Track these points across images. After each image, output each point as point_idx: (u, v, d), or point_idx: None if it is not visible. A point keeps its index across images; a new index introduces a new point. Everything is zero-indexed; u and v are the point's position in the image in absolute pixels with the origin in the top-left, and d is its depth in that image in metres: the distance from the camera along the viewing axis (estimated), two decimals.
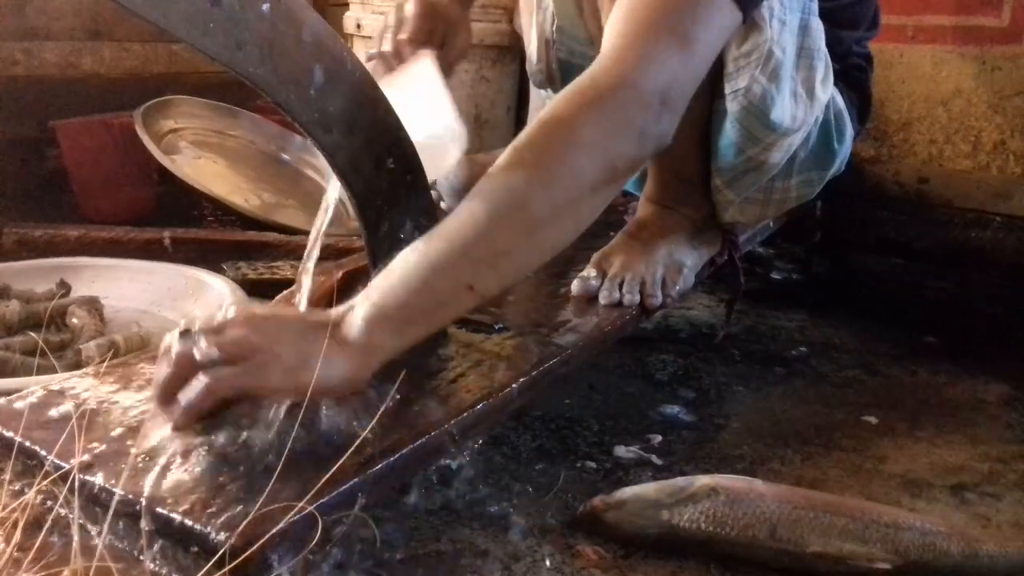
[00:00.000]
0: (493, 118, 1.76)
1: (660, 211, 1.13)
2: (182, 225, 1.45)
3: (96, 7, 1.99)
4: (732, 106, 1.02)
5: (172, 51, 2.07)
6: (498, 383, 0.80)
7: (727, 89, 1.02)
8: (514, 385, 0.81)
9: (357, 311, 0.71)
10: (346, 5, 1.86)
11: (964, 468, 1.01)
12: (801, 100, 1.05)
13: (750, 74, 0.99)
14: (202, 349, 0.67)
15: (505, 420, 1.01)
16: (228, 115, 1.92)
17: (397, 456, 0.68)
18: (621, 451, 1.00)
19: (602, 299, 1.02)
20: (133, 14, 0.60)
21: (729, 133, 1.05)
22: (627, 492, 0.83)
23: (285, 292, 0.92)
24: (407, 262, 0.73)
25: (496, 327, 0.92)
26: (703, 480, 0.82)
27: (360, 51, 1.74)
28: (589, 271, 1.06)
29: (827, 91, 1.10)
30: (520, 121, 1.81)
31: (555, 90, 1.15)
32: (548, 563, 0.79)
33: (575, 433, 1.04)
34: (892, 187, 1.62)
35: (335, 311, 0.72)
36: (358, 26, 1.77)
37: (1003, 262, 1.49)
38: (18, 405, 0.73)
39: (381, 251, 0.83)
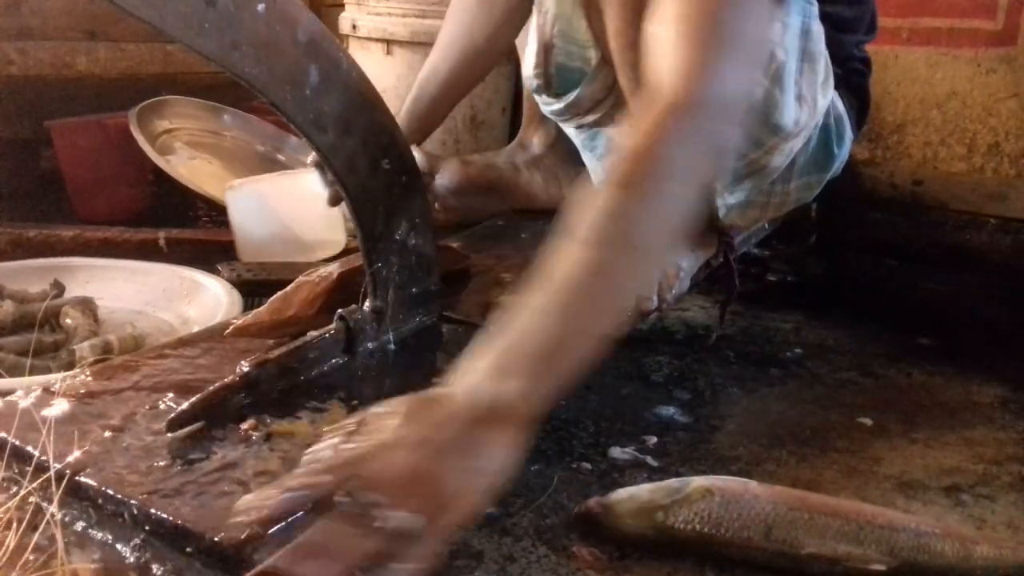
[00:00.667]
0: (489, 119, 1.76)
1: None
2: (177, 226, 1.45)
3: (91, 7, 1.99)
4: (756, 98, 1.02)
5: (167, 51, 2.07)
6: None
7: None
8: None
9: (503, 389, 0.65)
10: (341, 6, 1.86)
11: (959, 470, 1.01)
12: (805, 104, 1.06)
13: (783, 69, 1.00)
14: (384, 516, 0.57)
15: None
16: (223, 115, 1.91)
17: None
18: (616, 452, 1.00)
19: None
20: (129, 14, 0.60)
21: (748, 126, 1.05)
22: (622, 493, 0.83)
23: (280, 293, 0.92)
24: (532, 323, 0.68)
25: (492, 327, 0.92)
26: (698, 481, 0.82)
27: (356, 52, 1.74)
28: None
29: (828, 95, 1.10)
30: (515, 122, 1.81)
31: (550, 95, 1.14)
32: (543, 564, 0.79)
33: (570, 434, 1.04)
34: (887, 189, 1.62)
35: (466, 395, 0.65)
36: (353, 27, 1.77)
37: (998, 264, 1.50)
38: (11, 406, 0.72)
39: (376, 251, 0.83)
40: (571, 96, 1.11)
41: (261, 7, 0.67)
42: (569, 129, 1.22)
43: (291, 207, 1.35)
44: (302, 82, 0.72)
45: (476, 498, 0.63)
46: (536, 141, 1.41)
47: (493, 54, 1.27)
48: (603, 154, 1.20)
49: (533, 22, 1.13)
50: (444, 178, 1.36)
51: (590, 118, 1.14)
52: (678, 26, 0.80)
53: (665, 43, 0.81)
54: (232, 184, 1.38)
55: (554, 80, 1.13)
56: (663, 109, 0.76)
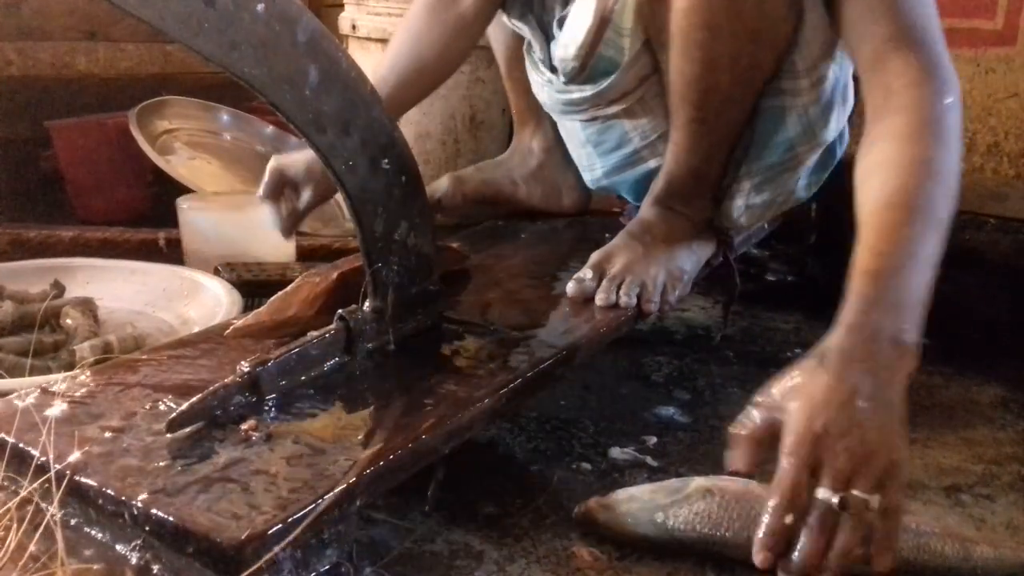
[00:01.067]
0: (488, 119, 1.76)
1: (664, 213, 1.12)
2: (177, 226, 1.45)
3: (91, 7, 1.99)
4: (803, 99, 1.05)
5: (167, 52, 2.07)
6: (492, 385, 0.80)
7: (804, 84, 1.04)
8: (509, 387, 0.81)
9: (885, 332, 0.73)
10: (341, 6, 1.86)
11: (958, 470, 1.01)
12: (847, 102, 1.11)
13: (831, 68, 1.04)
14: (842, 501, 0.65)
15: (500, 421, 1.02)
16: (223, 116, 1.91)
17: (391, 458, 0.68)
18: (616, 452, 1.00)
19: (599, 300, 1.02)
20: (128, 14, 0.60)
21: (789, 128, 1.07)
22: (622, 494, 0.83)
23: (279, 293, 0.92)
24: (884, 267, 0.78)
25: (490, 327, 0.92)
26: (698, 481, 0.82)
27: (355, 52, 1.74)
28: (586, 272, 1.05)
29: (850, 100, 1.14)
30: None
31: (579, 81, 1.12)
32: (543, 565, 0.79)
33: (570, 434, 1.04)
34: None
35: (855, 344, 0.73)
36: (353, 27, 1.77)
37: (997, 264, 1.50)
38: (11, 406, 0.72)
39: (376, 252, 0.83)
40: (604, 83, 1.10)
41: (260, 7, 0.67)
42: (575, 123, 1.21)
43: (243, 234, 1.34)
44: (301, 82, 0.72)
45: (905, 449, 0.68)
46: (535, 146, 1.38)
47: (441, 72, 1.26)
48: (613, 148, 1.19)
49: (582, 4, 1.10)
50: (438, 198, 1.34)
51: (611, 109, 1.13)
52: (884, 27, 0.88)
53: (869, 41, 0.89)
54: (182, 202, 1.38)
55: (593, 65, 1.11)
56: (914, 115, 0.84)
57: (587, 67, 1.11)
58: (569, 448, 1.01)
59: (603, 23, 1.07)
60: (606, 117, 1.15)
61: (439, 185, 1.36)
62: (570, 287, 1.04)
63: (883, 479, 0.67)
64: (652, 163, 1.17)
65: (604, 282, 1.03)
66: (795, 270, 1.67)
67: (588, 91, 1.12)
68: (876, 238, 0.81)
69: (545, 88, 1.20)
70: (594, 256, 1.07)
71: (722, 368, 1.27)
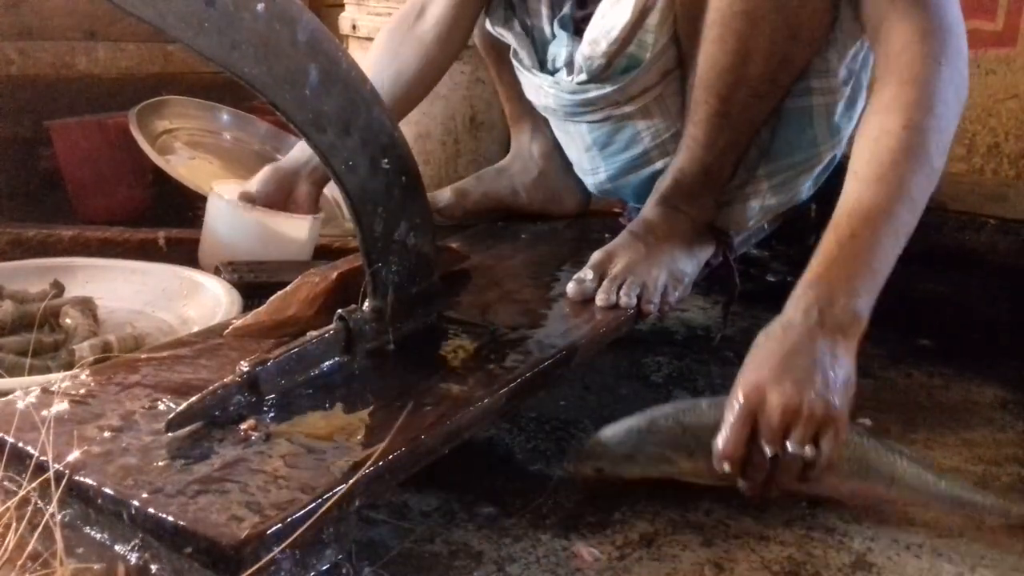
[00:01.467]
0: (488, 120, 1.76)
1: (668, 213, 1.11)
2: (177, 226, 1.44)
3: (91, 7, 1.99)
4: (832, 98, 1.07)
5: (167, 51, 2.07)
6: (492, 385, 0.80)
7: (835, 82, 1.05)
8: (508, 387, 0.81)
9: (839, 303, 0.81)
10: (341, 6, 1.86)
11: (958, 470, 1.01)
12: (864, 95, 1.12)
13: (858, 62, 1.06)
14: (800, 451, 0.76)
15: (499, 421, 1.01)
16: (223, 115, 1.91)
17: (391, 458, 0.67)
18: None
19: (599, 301, 1.01)
20: (129, 14, 0.60)
21: (815, 128, 1.08)
22: (600, 437, 0.88)
23: (279, 293, 0.92)
24: (847, 247, 0.83)
25: (490, 327, 0.92)
26: (665, 409, 0.88)
27: (356, 52, 1.73)
28: (586, 272, 1.04)
29: (861, 100, 1.14)
30: None
31: (601, 79, 1.11)
32: (543, 565, 0.79)
33: (570, 435, 1.04)
34: None
35: (809, 306, 0.82)
36: (353, 27, 1.77)
37: (998, 265, 1.49)
38: (11, 406, 0.72)
39: (376, 252, 0.83)
40: (626, 78, 1.09)
41: (261, 7, 0.67)
42: (581, 126, 1.20)
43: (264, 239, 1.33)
44: (301, 82, 0.72)
45: (846, 411, 0.78)
46: (535, 151, 1.36)
47: (413, 97, 1.29)
48: (621, 150, 1.18)
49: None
50: (440, 213, 1.33)
51: (627, 108, 1.12)
52: None
53: None
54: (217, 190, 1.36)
55: (620, 61, 1.10)
56: (923, 36, 0.86)
57: (613, 64, 1.10)
58: (569, 448, 1.01)
59: (643, 16, 1.06)
60: (619, 117, 1.14)
61: (441, 197, 1.34)
62: (570, 287, 1.03)
63: (819, 434, 0.76)
64: (659, 164, 1.16)
65: (605, 282, 1.02)
66: (795, 271, 1.67)
67: (608, 88, 1.11)
68: (848, 210, 0.85)
69: (551, 91, 1.19)
70: (595, 256, 1.06)
71: (722, 369, 1.27)
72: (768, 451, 0.76)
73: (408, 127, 1.67)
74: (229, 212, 1.31)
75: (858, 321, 0.81)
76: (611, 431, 0.88)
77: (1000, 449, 1.07)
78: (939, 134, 0.86)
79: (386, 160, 0.81)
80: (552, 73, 1.20)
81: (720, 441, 0.78)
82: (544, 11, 1.20)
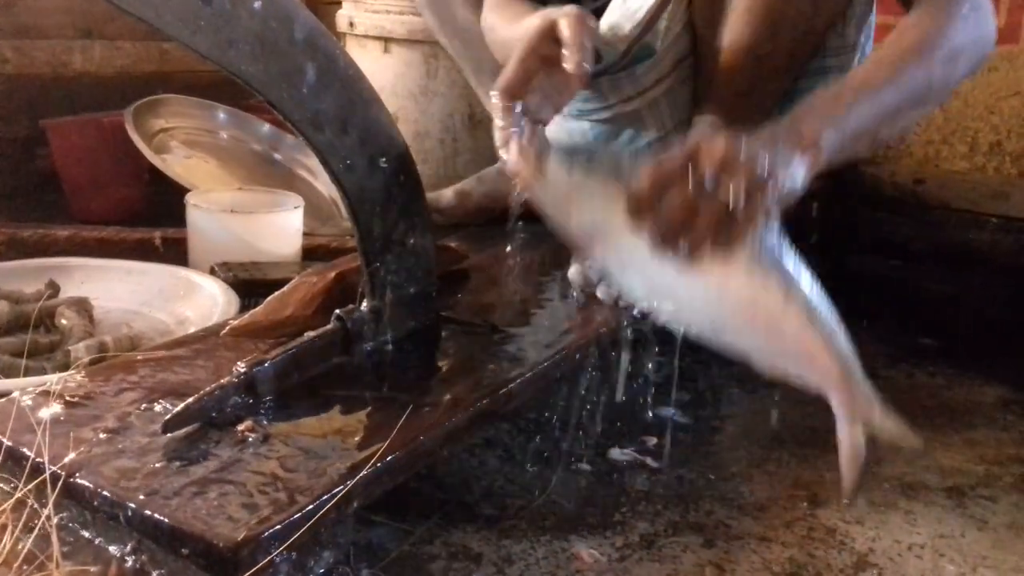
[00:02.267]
0: (487, 118, 1.74)
1: None
2: (173, 225, 1.43)
3: (87, 5, 1.98)
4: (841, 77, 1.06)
5: (163, 50, 2.06)
6: (492, 385, 0.80)
7: (851, 58, 1.05)
8: (508, 387, 0.80)
9: (807, 124, 0.79)
10: (338, 3, 1.85)
11: (961, 471, 1.01)
12: None
13: (869, 35, 1.06)
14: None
15: (499, 422, 1.01)
16: (219, 114, 1.90)
17: (389, 460, 0.67)
18: (616, 453, 0.99)
19: (600, 294, 1.00)
20: (125, 12, 0.59)
21: None
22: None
23: (276, 293, 0.91)
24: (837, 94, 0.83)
25: (489, 328, 0.92)
26: None
27: (353, 50, 1.73)
28: (587, 264, 1.03)
29: None
30: None
31: (611, 72, 1.09)
32: (542, 566, 0.79)
33: (569, 435, 1.03)
34: (888, 188, 1.61)
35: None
36: (351, 24, 1.76)
37: (1000, 263, 1.49)
38: (7, 407, 0.72)
39: (374, 251, 0.82)
40: (639, 68, 1.08)
41: (257, 4, 0.66)
42: (582, 124, 1.19)
43: (250, 232, 1.35)
44: (299, 80, 0.71)
45: (779, 190, 0.74)
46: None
47: None
48: (625, 144, 1.17)
49: None
50: (441, 213, 1.33)
51: (635, 104, 1.10)
52: None
53: None
54: (191, 199, 1.37)
55: (637, 49, 1.08)
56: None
57: (631, 52, 1.08)
58: (568, 449, 1.00)
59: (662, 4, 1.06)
60: (626, 113, 1.13)
61: (443, 198, 1.34)
62: (572, 273, 1.02)
63: (751, 189, 0.71)
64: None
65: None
66: None
67: (622, 79, 1.09)
68: (838, 80, 0.88)
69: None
70: None
71: (723, 369, 1.26)
72: (691, 184, 0.70)
73: (406, 125, 1.66)
74: (210, 218, 1.33)
75: (818, 148, 0.78)
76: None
77: (1002, 449, 1.07)
78: (948, 62, 0.88)
79: (384, 159, 0.81)
80: None
81: (652, 166, 0.71)
82: None
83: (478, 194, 1.34)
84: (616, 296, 1.00)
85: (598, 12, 1.11)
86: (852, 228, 1.64)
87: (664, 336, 1.37)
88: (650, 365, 1.25)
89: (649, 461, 0.98)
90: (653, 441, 1.03)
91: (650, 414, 1.10)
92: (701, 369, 1.25)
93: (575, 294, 1.03)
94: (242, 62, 0.67)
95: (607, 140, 1.18)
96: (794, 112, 0.82)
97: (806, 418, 1.12)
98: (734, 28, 1.01)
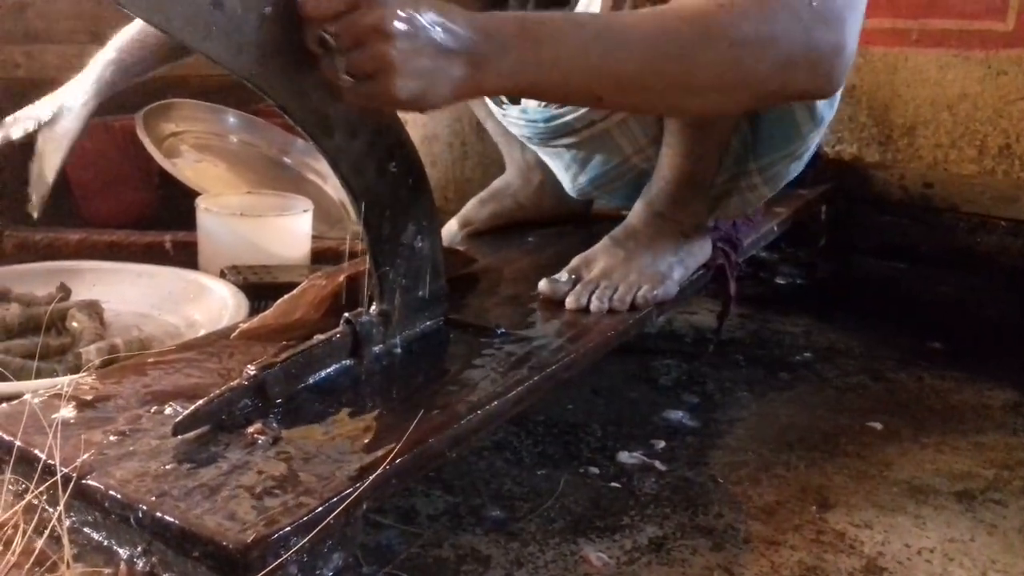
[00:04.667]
0: None
1: (652, 218, 1.10)
2: (183, 228, 1.44)
3: (97, 10, 1.99)
4: None
5: None
6: (500, 387, 0.80)
7: None
8: (516, 390, 0.80)
9: (497, 24, 0.71)
10: None
11: (970, 474, 1.01)
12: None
13: None
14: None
15: (507, 425, 1.01)
16: (229, 118, 1.91)
17: (398, 462, 0.67)
18: (625, 456, 0.99)
19: (568, 303, 1.00)
20: (138, 17, 0.59)
21: (796, 117, 1.06)
22: None
23: (286, 296, 0.91)
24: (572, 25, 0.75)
25: (498, 331, 0.92)
26: None
27: None
28: (561, 274, 1.03)
29: None
30: None
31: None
32: (551, 569, 0.79)
33: (578, 438, 1.04)
34: (897, 191, 1.61)
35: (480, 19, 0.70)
36: None
37: (1008, 266, 1.49)
38: (18, 409, 0.72)
39: (383, 254, 0.82)
40: None
41: (268, 9, 0.67)
42: (557, 148, 1.19)
43: (260, 236, 1.36)
44: (308, 87, 0.71)
45: (401, 81, 0.67)
46: (531, 158, 1.32)
47: None
48: (602, 163, 1.17)
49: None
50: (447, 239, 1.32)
51: (604, 125, 1.10)
52: None
53: None
54: (200, 203, 1.39)
55: None
56: None
57: None
58: (577, 452, 1.00)
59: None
60: (595, 133, 1.13)
61: (448, 230, 1.33)
62: (543, 285, 1.02)
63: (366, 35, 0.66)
64: (643, 166, 1.15)
65: (578, 287, 1.01)
66: (805, 273, 1.67)
67: (583, 109, 1.09)
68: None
69: (523, 121, 1.17)
70: (574, 260, 1.06)
71: (731, 372, 1.26)
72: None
73: (415, 129, 1.67)
74: (220, 222, 1.35)
75: (492, 62, 0.71)
76: None
77: (1012, 453, 1.06)
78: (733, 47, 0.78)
79: (393, 163, 0.81)
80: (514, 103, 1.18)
81: None
82: None
83: (483, 217, 1.33)
84: (584, 304, 0.99)
85: None
86: (861, 231, 1.64)
87: (672, 340, 1.38)
88: (658, 368, 1.25)
89: (658, 464, 0.98)
90: (662, 444, 1.03)
91: (658, 417, 1.10)
92: (710, 372, 1.25)
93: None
94: (253, 67, 0.67)
95: (585, 159, 1.18)
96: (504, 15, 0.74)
97: (815, 421, 1.12)
98: None
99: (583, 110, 1.09)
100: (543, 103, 1.12)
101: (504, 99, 1.19)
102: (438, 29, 0.68)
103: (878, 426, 1.11)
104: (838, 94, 1.10)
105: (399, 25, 0.66)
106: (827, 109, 1.10)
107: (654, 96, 0.80)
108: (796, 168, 1.16)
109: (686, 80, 0.79)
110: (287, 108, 0.71)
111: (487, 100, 1.23)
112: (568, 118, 1.11)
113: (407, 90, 0.67)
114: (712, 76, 0.79)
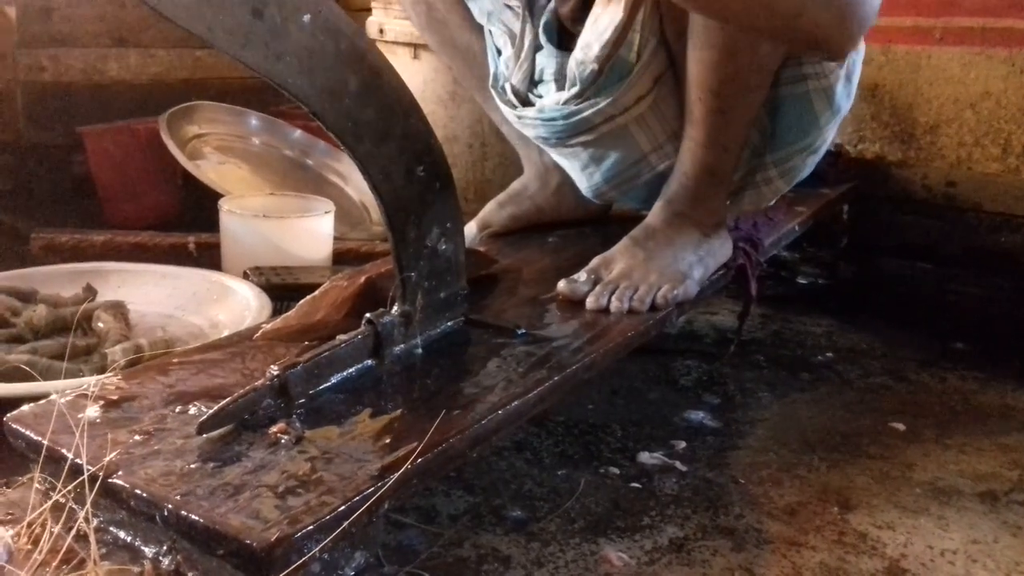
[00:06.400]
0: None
1: (670, 218, 1.10)
2: (206, 230, 1.46)
3: (121, 14, 2.01)
4: (829, 80, 1.07)
5: (196, 57, 2.09)
6: (520, 388, 0.80)
7: (830, 64, 1.06)
8: (536, 391, 0.81)
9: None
10: (369, 10, 1.87)
11: (994, 476, 1.00)
12: (852, 80, 1.12)
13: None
14: None
15: (527, 425, 1.01)
16: (251, 120, 1.93)
17: (420, 462, 0.67)
18: (645, 457, 0.99)
19: (589, 304, 1.00)
20: (179, 27, 0.60)
21: (816, 109, 1.08)
22: None
23: (308, 297, 0.92)
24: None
25: (518, 331, 0.92)
26: None
27: None
28: (580, 275, 1.03)
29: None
30: None
31: (590, 94, 1.10)
32: (571, 569, 0.79)
33: (598, 439, 1.04)
34: (920, 190, 1.60)
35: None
36: (380, 31, 1.77)
37: None
38: (46, 409, 0.73)
39: (407, 257, 0.83)
40: (619, 88, 1.08)
41: (306, 18, 0.68)
42: (564, 150, 1.19)
43: (282, 237, 1.38)
44: (342, 92, 0.72)
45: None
46: (548, 160, 1.32)
47: None
48: (618, 160, 1.17)
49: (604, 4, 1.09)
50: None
51: (622, 119, 1.11)
52: None
53: None
54: (224, 204, 1.40)
55: (609, 67, 1.08)
56: None
57: (604, 70, 1.09)
58: (597, 452, 1.00)
59: (633, 13, 1.06)
60: (613, 129, 1.13)
61: (467, 231, 1.33)
62: (562, 285, 1.02)
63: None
64: (660, 167, 1.15)
65: (598, 287, 1.01)
66: (826, 273, 1.66)
67: (602, 102, 1.09)
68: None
69: (540, 121, 1.17)
70: (593, 260, 1.06)
71: (752, 372, 1.26)
72: None
73: (435, 131, 1.67)
74: (244, 223, 1.37)
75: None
76: None
77: None
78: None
79: (421, 167, 0.81)
80: (535, 84, 1.19)
81: None
82: (506, 42, 1.20)
83: (502, 220, 1.33)
84: (604, 305, 0.99)
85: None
86: (883, 231, 1.62)
87: (693, 340, 1.37)
88: (679, 368, 1.25)
89: (678, 465, 0.98)
90: (682, 445, 1.02)
91: (679, 418, 1.10)
92: (730, 372, 1.25)
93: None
94: (289, 75, 0.68)
95: (601, 157, 1.18)
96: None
97: (836, 422, 1.12)
98: (694, 51, 1.02)
99: (602, 103, 1.09)
100: (560, 101, 1.13)
101: (517, 102, 1.20)
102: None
103: (900, 427, 1.11)
104: (855, 80, 1.10)
105: None
106: (844, 99, 1.11)
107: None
108: (811, 162, 1.16)
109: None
110: (320, 115, 0.72)
111: (500, 105, 1.23)
112: (587, 113, 1.11)
113: None
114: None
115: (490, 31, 1.24)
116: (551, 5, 1.16)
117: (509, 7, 1.20)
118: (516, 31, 1.19)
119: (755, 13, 0.88)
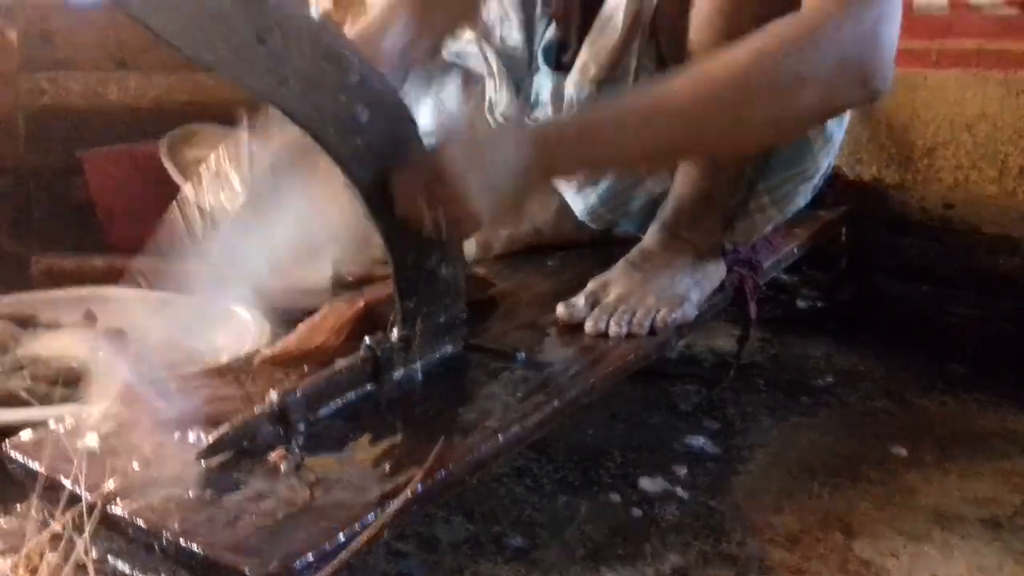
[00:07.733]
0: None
1: (668, 240, 1.10)
2: None
3: (121, 37, 2.02)
4: None
5: (196, 80, 2.09)
6: (519, 413, 0.80)
7: None
8: (536, 416, 0.80)
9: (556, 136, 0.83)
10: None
11: (996, 500, 0.99)
12: None
13: None
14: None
15: (526, 451, 1.01)
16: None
17: (420, 488, 0.67)
18: (646, 483, 0.99)
19: (587, 328, 0.99)
20: (181, 53, 0.61)
21: (810, 137, 1.09)
22: None
23: (307, 321, 0.92)
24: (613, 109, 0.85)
25: (518, 356, 0.92)
26: None
27: None
28: (579, 298, 1.03)
29: None
30: None
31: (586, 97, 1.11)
32: None
33: (598, 464, 1.03)
34: (917, 213, 1.60)
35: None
36: None
37: None
38: (43, 436, 0.73)
39: (406, 281, 0.83)
40: None
41: (310, 45, 0.68)
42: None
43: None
44: (345, 119, 0.73)
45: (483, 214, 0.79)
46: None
47: None
48: (612, 179, 1.18)
49: (606, 19, 1.10)
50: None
51: None
52: None
53: None
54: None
55: (608, 89, 1.10)
56: (795, 23, 0.81)
57: (602, 91, 1.09)
58: (597, 478, 1.00)
59: (630, 37, 1.06)
60: None
61: (466, 254, 1.33)
62: (560, 309, 1.02)
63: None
64: (657, 190, 1.15)
65: (595, 311, 1.01)
66: (825, 296, 1.66)
67: None
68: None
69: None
70: (591, 283, 1.05)
71: (752, 396, 1.26)
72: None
73: None
74: None
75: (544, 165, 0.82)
76: None
77: None
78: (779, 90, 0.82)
79: None
80: (533, 107, 1.20)
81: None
82: (520, 36, 1.21)
83: (501, 244, 1.33)
84: (603, 330, 0.99)
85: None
86: (881, 253, 1.63)
87: (692, 364, 1.37)
88: (678, 393, 1.25)
89: (679, 491, 0.98)
90: (683, 470, 1.02)
91: (679, 443, 1.10)
92: (730, 397, 1.25)
93: None
94: (292, 100, 0.68)
95: (594, 183, 1.18)
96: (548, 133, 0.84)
97: (837, 447, 1.11)
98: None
99: None
100: (566, 108, 1.14)
101: (511, 96, 1.21)
102: (499, 167, 0.79)
103: (902, 452, 1.10)
104: (846, 115, 1.11)
105: (462, 185, 0.76)
106: (837, 128, 1.11)
107: (709, 148, 0.91)
108: (805, 190, 1.16)
109: (735, 131, 0.86)
110: (323, 140, 0.72)
111: (491, 121, 1.24)
112: None
113: (488, 215, 0.80)
114: (760, 121, 0.84)
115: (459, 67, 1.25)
116: (551, 29, 1.17)
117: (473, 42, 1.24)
118: (490, 61, 1.22)
119: (785, 130, 0.90)
